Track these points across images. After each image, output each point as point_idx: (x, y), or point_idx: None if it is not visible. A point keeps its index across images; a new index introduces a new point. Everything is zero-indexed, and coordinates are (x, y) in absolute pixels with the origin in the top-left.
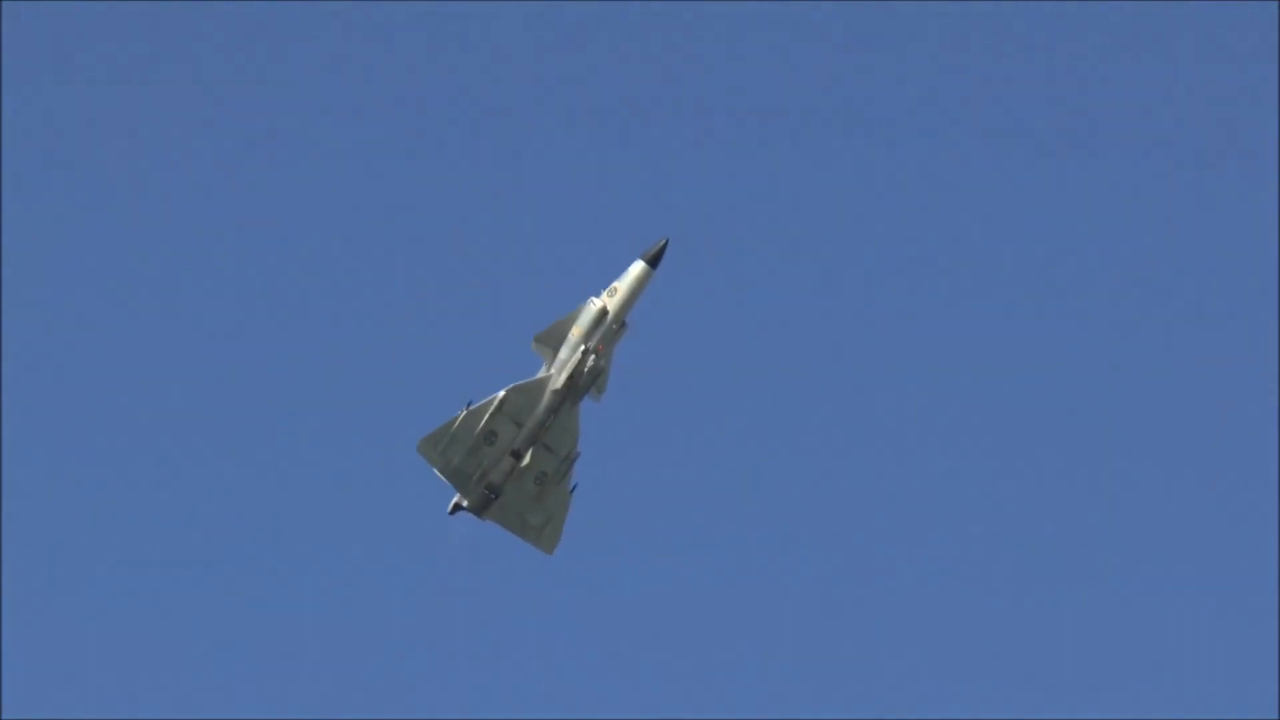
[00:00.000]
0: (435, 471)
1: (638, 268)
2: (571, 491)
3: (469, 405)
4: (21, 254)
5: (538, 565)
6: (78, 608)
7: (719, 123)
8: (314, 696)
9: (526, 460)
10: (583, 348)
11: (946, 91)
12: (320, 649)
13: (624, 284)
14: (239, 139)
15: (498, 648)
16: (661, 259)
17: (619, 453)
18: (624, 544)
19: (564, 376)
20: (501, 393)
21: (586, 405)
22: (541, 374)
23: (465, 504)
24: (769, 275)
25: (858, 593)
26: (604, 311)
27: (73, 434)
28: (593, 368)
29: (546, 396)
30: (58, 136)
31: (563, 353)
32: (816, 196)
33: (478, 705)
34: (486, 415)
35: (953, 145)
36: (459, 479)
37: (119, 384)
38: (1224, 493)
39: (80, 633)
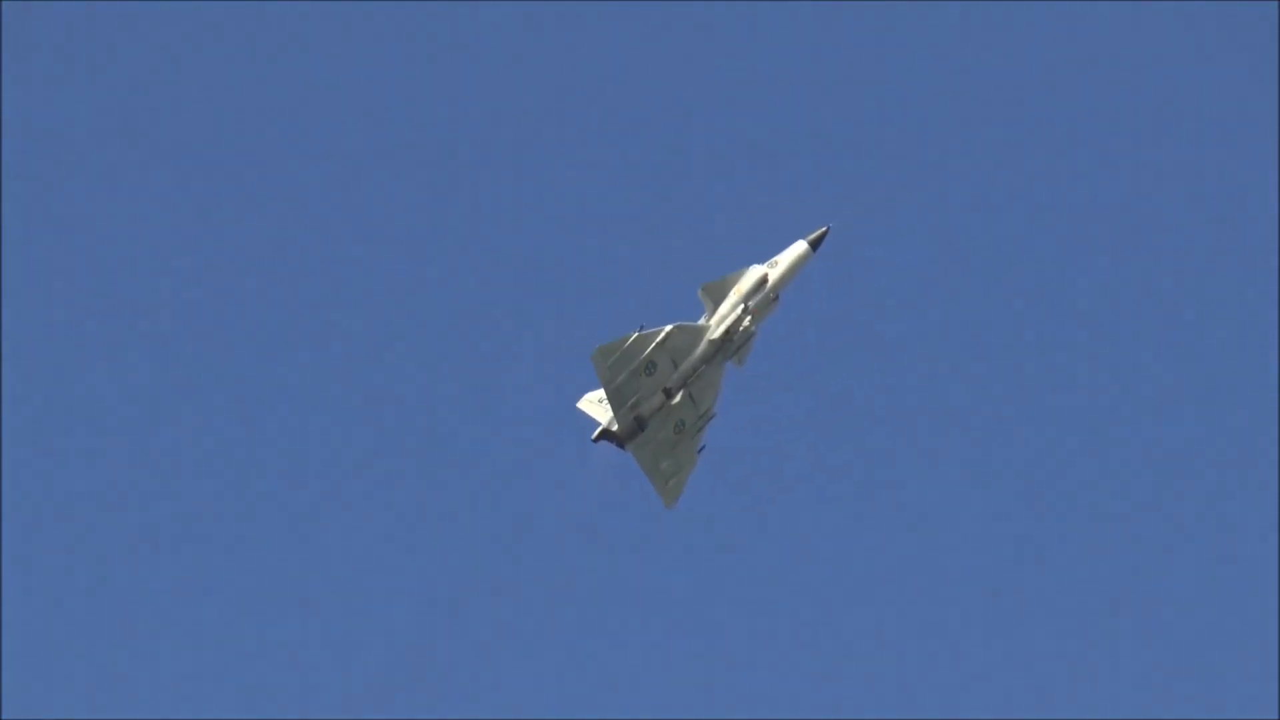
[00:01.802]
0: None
1: (800, 247)
2: (700, 451)
3: (641, 328)
4: (22, 254)
5: (657, 516)
6: (78, 608)
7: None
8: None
9: (676, 400)
10: (742, 306)
11: (945, 91)
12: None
13: (785, 259)
14: (238, 139)
15: (596, 591)
16: (821, 243)
17: (749, 424)
18: (736, 515)
19: (721, 329)
20: (669, 327)
21: (729, 370)
22: (702, 322)
23: (614, 429)
24: (918, 274)
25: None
26: (764, 279)
27: (73, 434)
28: (746, 328)
29: (704, 344)
30: (58, 136)
31: (723, 308)
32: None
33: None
34: (653, 344)
35: (953, 145)
36: (617, 398)
37: (120, 384)
38: (1224, 493)
39: (80, 633)
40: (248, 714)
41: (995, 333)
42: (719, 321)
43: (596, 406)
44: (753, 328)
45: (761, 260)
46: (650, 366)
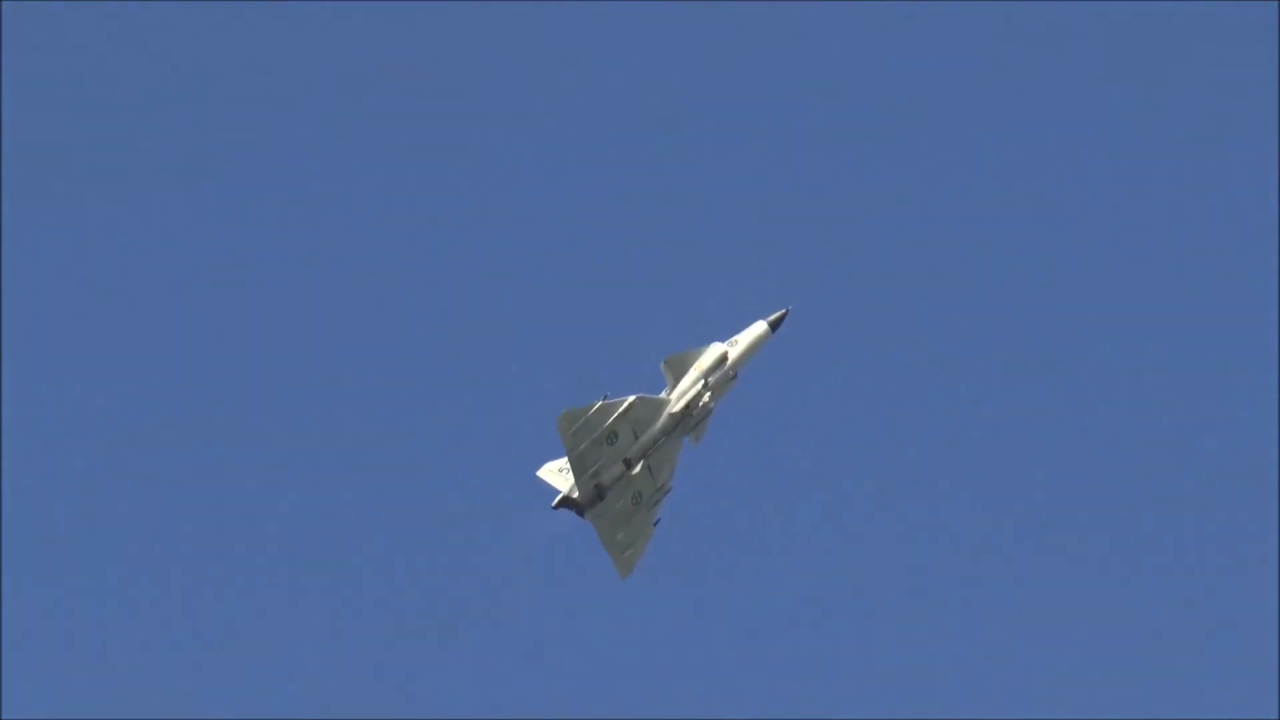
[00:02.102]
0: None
1: (759, 327)
2: (655, 525)
3: (605, 397)
4: (22, 254)
5: (610, 584)
6: (78, 607)
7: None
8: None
9: (635, 471)
10: (702, 382)
11: (946, 92)
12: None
13: (744, 338)
14: (239, 139)
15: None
16: (781, 325)
17: (702, 500)
18: (688, 591)
19: (682, 403)
20: (632, 398)
21: (684, 446)
22: (664, 395)
23: (574, 496)
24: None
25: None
26: (724, 357)
27: (73, 434)
28: (705, 405)
29: (664, 417)
30: (58, 136)
31: (683, 383)
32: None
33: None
34: (616, 413)
35: (952, 146)
36: (579, 465)
37: (120, 383)
38: (1225, 492)
39: (80, 633)
40: (248, 714)
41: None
42: (679, 396)
43: (556, 475)
44: (711, 404)
45: (723, 338)
46: (613, 436)
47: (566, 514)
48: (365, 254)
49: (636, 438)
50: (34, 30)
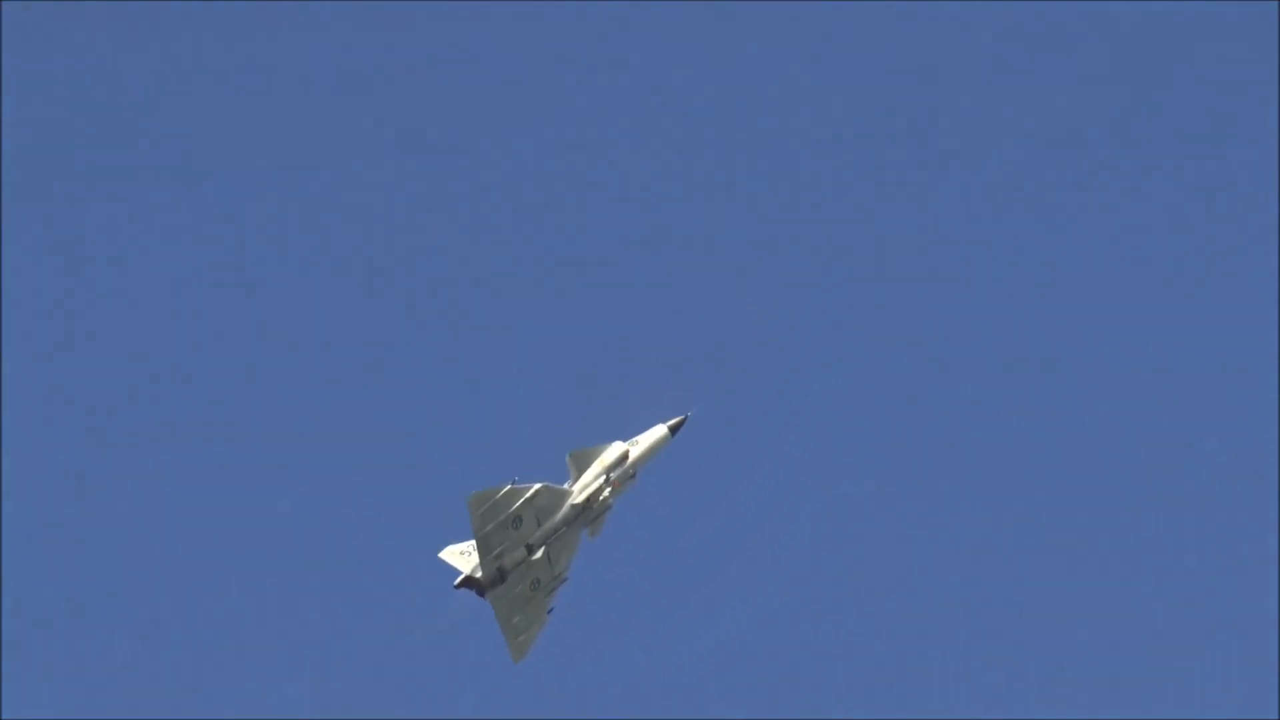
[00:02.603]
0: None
1: (659, 430)
2: (549, 613)
3: (514, 481)
4: (22, 254)
5: (503, 665)
6: (77, 608)
7: None
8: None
9: (536, 557)
10: (604, 477)
11: (946, 92)
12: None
13: (645, 440)
14: (239, 138)
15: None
16: (679, 430)
17: (594, 593)
18: (575, 679)
19: (584, 495)
20: (538, 485)
21: (582, 540)
22: (567, 486)
23: (477, 576)
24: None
25: None
26: (625, 455)
27: (73, 434)
28: (605, 499)
29: (566, 507)
30: (58, 136)
31: (586, 476)
32: None
33: None
34: (522, 499)
35: (952, 146)
36: (484, 546)
37: (120, 383)
38: (1225, 492)
39: (80, 633)
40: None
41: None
42: (582, 488)
43: (458, 557)
44: (610, 500)
45: (626, 437)
46: (517, 520)
47: (467, 594)
48: (367, 255)
49: (539, 524)
50: (34, 30)
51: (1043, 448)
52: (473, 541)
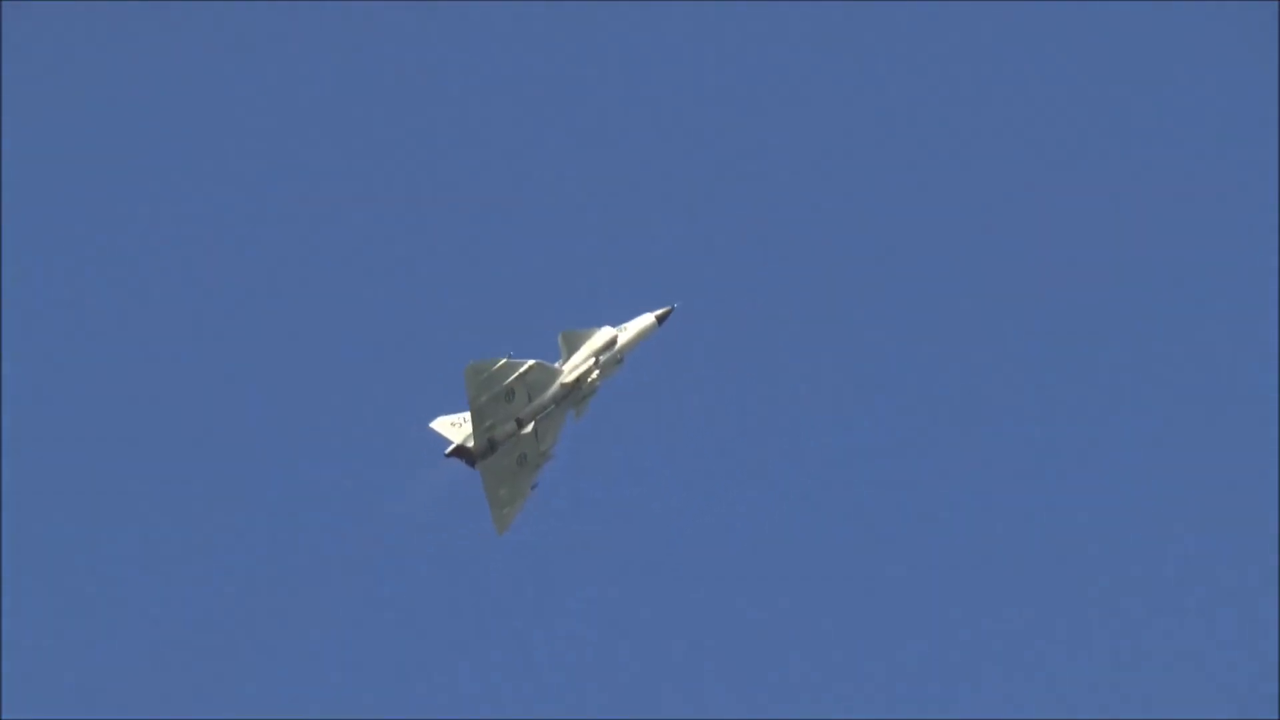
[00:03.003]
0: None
1: (647, 319)
2: (533, 488)
3: (510, 355)
4: (22, 254)
5: (486, 540)
6: (78, 608)
7: None
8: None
9: (525, 431)
10: (593, 360)
11: (947, 92)
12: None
13: (632, 327)
14: (239, 138)
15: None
16: (666, 320)
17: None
18: (557, 556)
19: (573, 376)
20: (531, 361)
21: (568, 420)
22: (557, 365)
23: (468, 445)
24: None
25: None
26: (614, 341)
27: (73, 435)
28: (592, 381)
29: (556, 385)
30: (58, 136)
31: (576, 357)
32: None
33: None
34: (516, 373)
35: (952, 147)
36: (478, 417)
37: (119, 384)
38: (1225, 492)
39: (80, 633)
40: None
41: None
42: (572, 369)
43: (449, 428)
44: (597, 383)
45: (616, 321)
46: (510, 394)
47: (456, 463)
48: (368, 257)
49: (530, 400)
50: (34, 30)
51: (1042, 447)
52: (463, 414)
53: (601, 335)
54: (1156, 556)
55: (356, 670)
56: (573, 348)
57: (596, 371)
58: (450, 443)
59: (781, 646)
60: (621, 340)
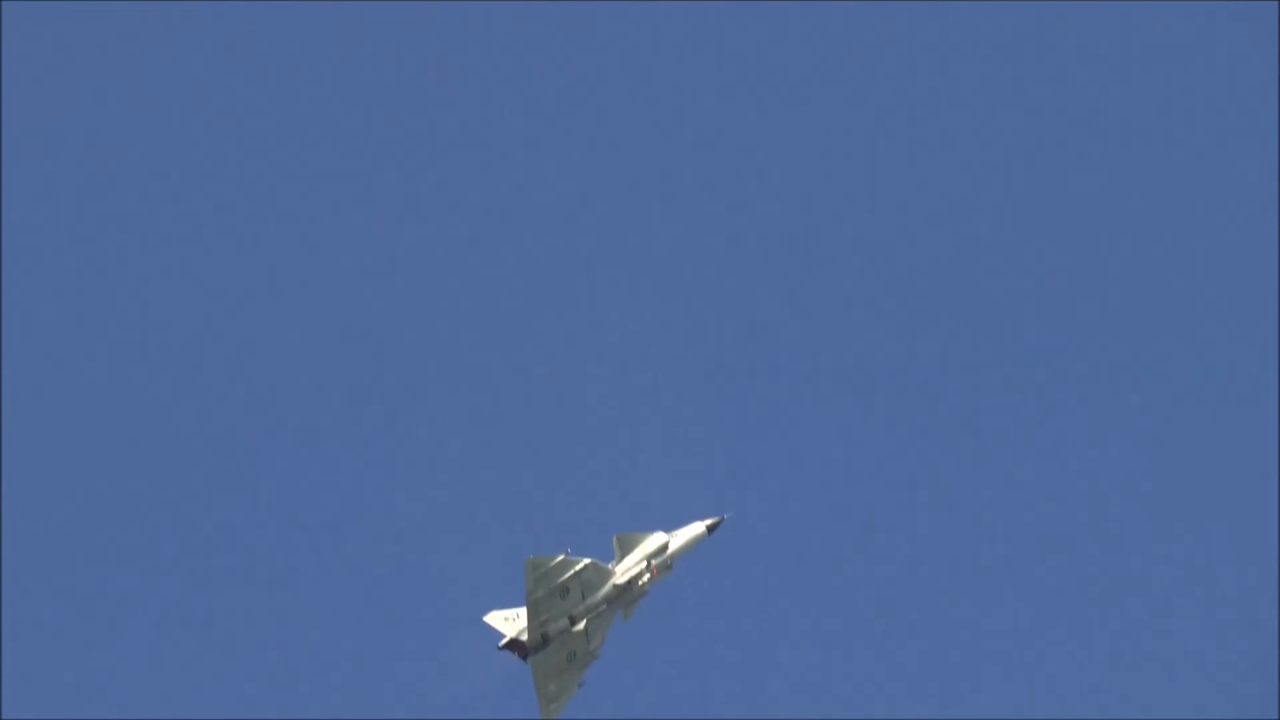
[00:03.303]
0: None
1: (698, 528)
2: (580, 686)
3: (568, 552)
4: (22, 254)
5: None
6: (78, 608)
7: None
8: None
9: (578, 628)
10: (645, 562)
11: (947, 91)
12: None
13: (684, 534)
14: (239, 139)
15: None
16: (717, 529)
17: (620, 676)
18: None
19: (626, 577)
20: (586, 559)
21: (615, 621)
22: (610, 566)
23: (522, 639)
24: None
25: None
26: (665, 546)
27: (73, 435)
28: (643, 585)
29: (608, 585)
30: (58, 136)
31: (628, 560)
32: None
33: None
34: (572, 570)
35: (953, 146)
36: (534, 610)
37: (118, 384)
38: (1225, 492)
39: (80, 633)
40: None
41: None
42: (624, 570)
43: (502, 622)
44: (648, 586)
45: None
46: (565, 590)
47: (509, 656)
48: (371, 265)
49: (583, 598)
50: (34, 30)
51: (1042, 448)
52: (516, 610)
53: (654, 540)
54: (1156, 556)
55: None
56: (626, 549)
57: (648, 575)
58: (503, 636)
59: (783, 647)
60: (673, 546)
